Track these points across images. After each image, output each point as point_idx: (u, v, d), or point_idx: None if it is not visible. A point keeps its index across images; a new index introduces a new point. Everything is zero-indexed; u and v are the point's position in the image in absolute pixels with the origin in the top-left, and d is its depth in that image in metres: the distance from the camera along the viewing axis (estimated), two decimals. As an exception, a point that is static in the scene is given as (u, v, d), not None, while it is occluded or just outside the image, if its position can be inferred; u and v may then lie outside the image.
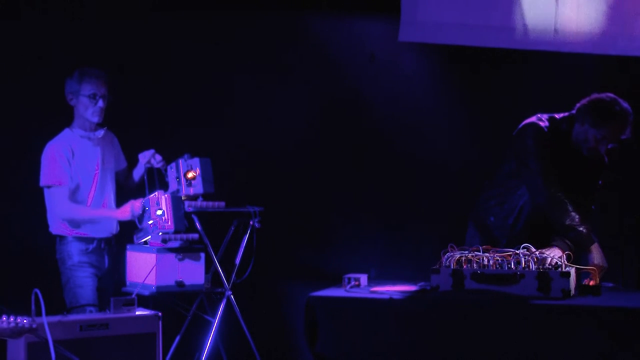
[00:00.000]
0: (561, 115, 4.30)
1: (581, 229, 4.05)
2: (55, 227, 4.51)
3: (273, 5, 5.54)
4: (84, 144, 4.53)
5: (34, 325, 3.11)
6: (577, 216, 4.07)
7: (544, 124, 4.25)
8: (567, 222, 4.07)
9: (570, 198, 4.12)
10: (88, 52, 5.05)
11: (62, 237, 4.48)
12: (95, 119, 4.51)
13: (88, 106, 4.48)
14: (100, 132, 4.57)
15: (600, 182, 4.41)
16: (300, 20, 5.63)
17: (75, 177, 4.47)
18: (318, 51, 5.66)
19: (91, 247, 4.49)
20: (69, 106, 4.55)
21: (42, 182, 4.47)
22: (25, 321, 3.08)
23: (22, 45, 5.06)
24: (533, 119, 4.29)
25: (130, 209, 4.44)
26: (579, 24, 5.20)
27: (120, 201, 4.64)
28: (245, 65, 5.60)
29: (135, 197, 4.52)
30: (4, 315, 3.11)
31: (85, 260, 4.47)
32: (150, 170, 4.65)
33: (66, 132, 4.54)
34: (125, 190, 4.74)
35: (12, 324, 3.07)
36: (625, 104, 4.16)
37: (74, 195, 4.48)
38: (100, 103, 4.48)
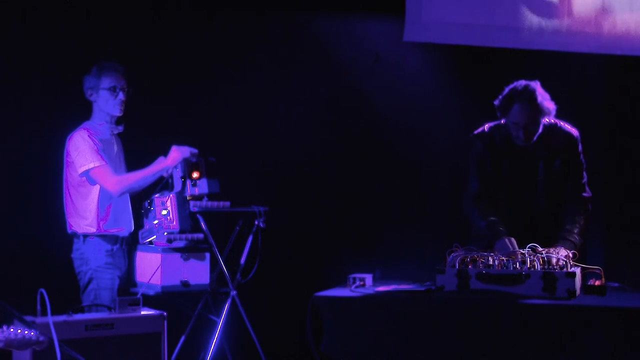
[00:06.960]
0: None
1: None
2: (79, 225, 4.40)
3: (277, 5, 5.54)
4: (106, 138, 4.48)
5: (42, 339, 3.01)
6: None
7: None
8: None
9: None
10: (91, 52, 5.05)
11: (85, 236, 4.39)
12: (117, 112, 4.47)
13: (109, 99, 4.44)
14: (121, 127, 4.54)
15: (582, 158, 4.34)
16: (305, 20, 5.63)
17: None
18: (323, 51, 5.66)
19: (115, 247, 4.44)
20: (79, 106, 4.51)
21: (83, 166, 4.33)
22: (32, 333, 2.98)
23: (28, 45, 5.07)
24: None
25: (178, 153, 4.43)
26: (584, 24, 5.20)
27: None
28: (250, 65, 5.60)
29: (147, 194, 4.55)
30: (12, 326, 2.99)
31: (111, 261, 4.41)
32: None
33: (87, 125, 4.46)
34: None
35: (20, 336, 2.96)
36: (525, 84, 4.20)
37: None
38: (121, 95, 4.45)
